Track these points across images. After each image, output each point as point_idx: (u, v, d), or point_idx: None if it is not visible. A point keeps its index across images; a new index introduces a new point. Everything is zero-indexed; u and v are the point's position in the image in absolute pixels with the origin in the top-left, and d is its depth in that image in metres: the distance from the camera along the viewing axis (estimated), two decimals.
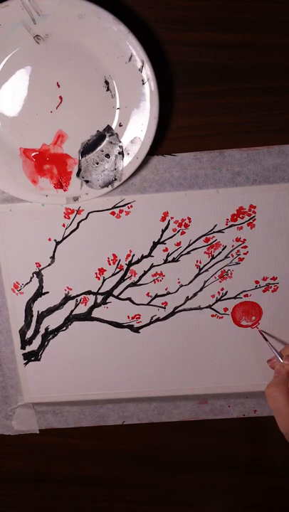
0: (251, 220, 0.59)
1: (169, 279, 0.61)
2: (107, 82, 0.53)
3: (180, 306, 0.62)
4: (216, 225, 0.59)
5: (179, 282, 0.61)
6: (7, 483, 0.73)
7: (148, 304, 0.62)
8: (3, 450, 0.71)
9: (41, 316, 0.63)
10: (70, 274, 0.61)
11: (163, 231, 0.59)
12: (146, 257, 0.60)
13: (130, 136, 0.54)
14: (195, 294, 0.61)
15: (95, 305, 0.62)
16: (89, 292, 0.62)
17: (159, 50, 0.53)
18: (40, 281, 0.61)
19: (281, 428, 0.52)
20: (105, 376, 0.65)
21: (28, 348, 0.64)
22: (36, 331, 0.63)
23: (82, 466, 0.71)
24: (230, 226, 0.59)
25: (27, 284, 0.61)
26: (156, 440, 0.69)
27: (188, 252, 0.60)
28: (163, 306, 0.62)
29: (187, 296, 0.61)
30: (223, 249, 0.60)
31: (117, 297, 0.62)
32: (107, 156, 0.55)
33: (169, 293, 0.61)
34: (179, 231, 0.59)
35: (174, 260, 0.60)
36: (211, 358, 0.64)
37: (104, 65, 0.52)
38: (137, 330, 0.63)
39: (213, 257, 0.60)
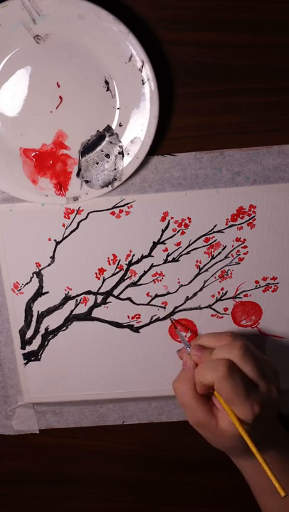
0: (251, 220, 0.59)
1: (169, 279, 0.61)
2: (107, 82, 0.53)
3: (180, 306, 0.62)
4: (216, 225, 0.59)
5: (179, 282, 0.61)
6: (7, 483, 0.73)
7: (148, 304, 0.62)
8: (3, 450, 0.71)
9: (41, 316, 0.63)
10: (70, 274, 0.61)
11: (163, 231, 0.59)
12: (146, 257, 0.60)
13: (130, 136, 0.54)
14: (195, 294, 0.61)
15: (95, 305, 0.62)
16: (89, 292, 0.62)
17: (159, 50, 0.53)
18: (40, 281, 0.61)
19: (190, 421, 0.53)
20: (105, 376, 0.65)
21: (28, 348, 0.64)
22: (36, 331, 0.63)
23: (82, 466, 0.71)
24: (230, 226, 0.59)
25: (27, 284, 0.61)
26: (156, 440, 0.69)
27: (188, 252, 0.60)
28: (163, 306, 0.62)
29: (187, 296, 0.61)
30: (223, 249, 0.60)
31: (117, 297, 0.62)
32: (107, 156, 0.55)
33: (169, 293, 0.61)
34: (179, 231, 0.59)
35: (174, 260, 0.60)
36: None
37: (105, 65, 0.52)
38: (137, 330, 0.63)
39: (213, 257, 0.60)
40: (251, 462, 0.55)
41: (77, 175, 0.56)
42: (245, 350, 0.52)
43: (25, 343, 0.64)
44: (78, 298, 0.62)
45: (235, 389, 0.50)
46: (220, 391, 0.51)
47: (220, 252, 0.60)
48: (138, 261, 0.60)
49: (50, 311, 0.63)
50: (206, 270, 0.60)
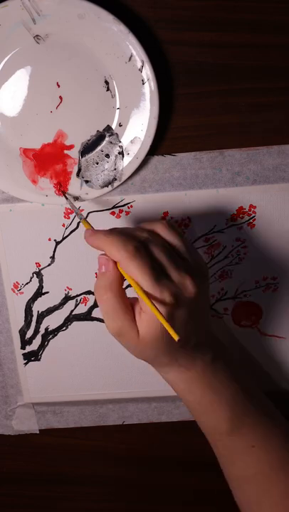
0: (251, 220, 0.59)
1: None
2: (107, 82, 0.53)
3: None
4: (215, 225, 0.59)
5: None
6: (7, 483, 0.73)
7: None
8: (3, 450, 0.71)
9: (41, 316, 0.63)
10: (70, 274, 0.61)
11: None
12: None
13: (130, 136, 0.54)
14: None
15: (95, 305, 0.62)
16: (89, 292, 0.62)
17: (159, 50, 0.53)
18: (40, 281, 0.61)
19: (110, 330, 0.49)
20: (105, 376, 0.65)
21: (28, 348, 0.64)
22: (36, 331, 0.63)
23: (82, 466, 0.71)
24: (230, 226, 0.59)
25: (27, 284, 0.61)
26: (156, 440, 0.69)
27: None
28: None
29: None
30: (223, 249, 0.60)
31: None
32: (107, 156, 0.55)
33: None
34: None
35: None
36: None
37: (105, 65, 0.52)
38: None
39: (213, 257, 0.60)
40: (177, 374, 0.51)
41: (77, 175, 0.56)
42: (172, 225, 0.49)
43: (25, 343, 0.64)
44: (78, 298, 0.62)
45: (142, 270, 0.45)
46: (126, 271, 0.46)
47: (220, 252, 0.60)
48: None
49: (50, 311, 0.63)
50: None
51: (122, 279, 0.48)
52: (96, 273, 0.51)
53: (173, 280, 0.47)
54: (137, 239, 0.48)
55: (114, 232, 0.48)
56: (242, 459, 0.54)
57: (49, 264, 0.61)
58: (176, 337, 0.44)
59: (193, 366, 0.51)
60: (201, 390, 0.52)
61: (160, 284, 0.46)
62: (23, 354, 0.64)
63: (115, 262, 0.47)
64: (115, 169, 0.55)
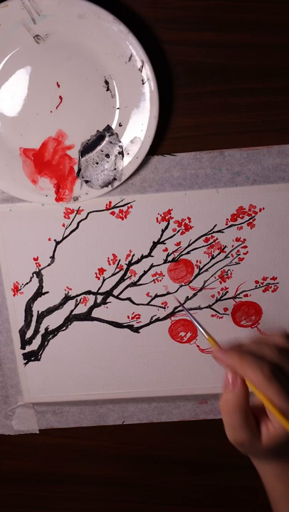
0: (251, 220, 0.59)
1: (168, 279, 0.61)
2: (107, 82, 0.53)
3: (180, 306, 0.62)
4: (216, 225, 0.59)
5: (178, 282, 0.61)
6: (7, 483, 0.73)
7: (148, 304, 0.62)
8: (3, 450, 0.71)
9: (41, 316, 0.63)
10: (70, 274, 0.61)
11: (163, 231, 0.59)
12: (146, 257, 0.60)
13: (130, 136, 0.54)
14: (195, 294, 0.61)
15: (95, 305, 0.62)
16: (89, 292, 0.62)
17: (159, 50, 0.53)
18: (40, 281, 0.61)
19: (230, 440, 0.50)
20: (105, 376, 0.65)
21: (28, 348, 0.64)
22: (36, 331, 0.63)
23: (82, 466, 0.71)
24: (230, 226, 0.59)
25: (27, 284, 0.61)
26: (156, 440, 0.69)
27: (188, 252, 0.60)
28: (163, 306, 0.62)
29: (187, 296, 0.61)
30: (223, 249, 0.60)
31: (116, 297, 0.62)
32: (107, 155, 0.55)
33: (169, 293, 0.61)
34: (179, 231, 0.59)
35: (174, 260, 0.60)
36: (211, 358, 0.64)
37: (105, 65, 0.52)
38: (136, 330, 0.63)
39: (213, 257, 0.60)
40: (272, 465, 0.53)
41: (77, 175, 0.56)
42: None
43: (25, 343, 0.64)
44: (78, 298, 0.62)
45: (281, 394, 0.46)
46: (263, 393, 0.47)
47: (220, 252, 0.60)
48: (138, 261, 0.60)
49: (50, 311, 0.63)
50: (206, 270, 0.60)
51: (248, 394, 0.49)
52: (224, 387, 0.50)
53: None
54: (270, 359, 0.48)
55: (246, 354, 0.48)
56: None
57: (49, 264, 0.61)
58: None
59: None
60: None
61: None
62: (23, 354, 0.64)
63: (243, 379, 0.48)
64: (115, 169, 0.55)
